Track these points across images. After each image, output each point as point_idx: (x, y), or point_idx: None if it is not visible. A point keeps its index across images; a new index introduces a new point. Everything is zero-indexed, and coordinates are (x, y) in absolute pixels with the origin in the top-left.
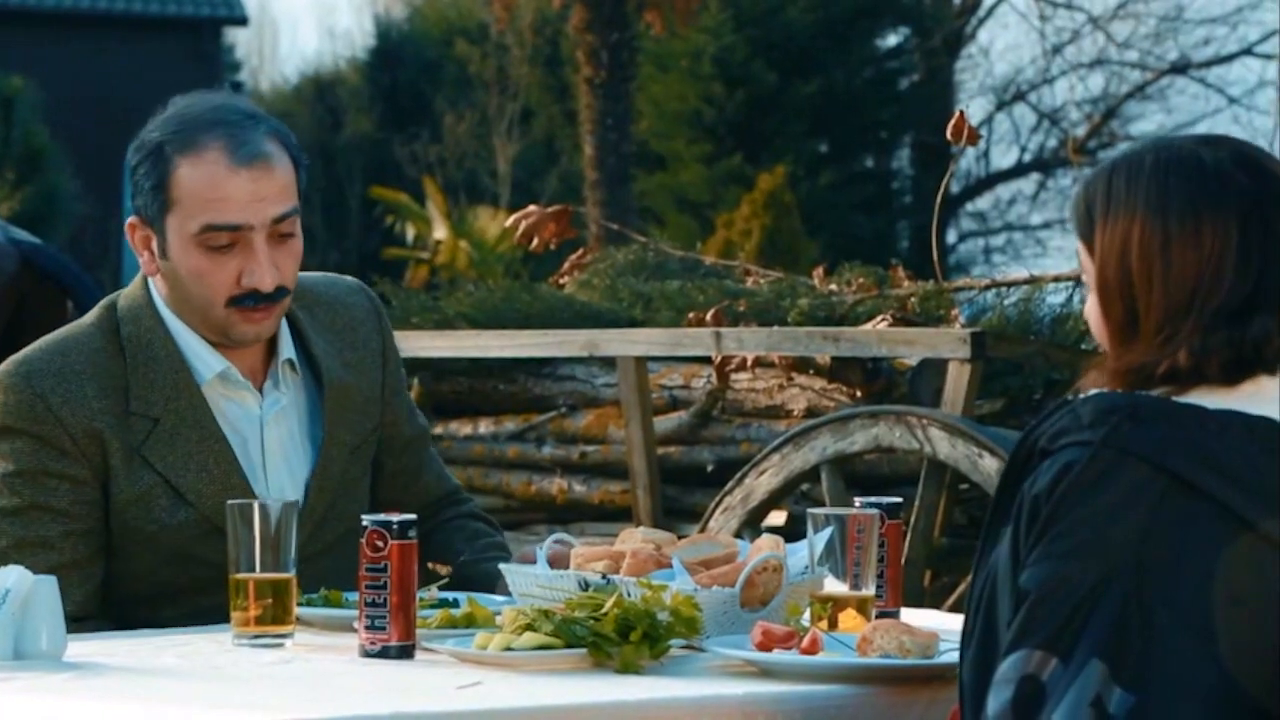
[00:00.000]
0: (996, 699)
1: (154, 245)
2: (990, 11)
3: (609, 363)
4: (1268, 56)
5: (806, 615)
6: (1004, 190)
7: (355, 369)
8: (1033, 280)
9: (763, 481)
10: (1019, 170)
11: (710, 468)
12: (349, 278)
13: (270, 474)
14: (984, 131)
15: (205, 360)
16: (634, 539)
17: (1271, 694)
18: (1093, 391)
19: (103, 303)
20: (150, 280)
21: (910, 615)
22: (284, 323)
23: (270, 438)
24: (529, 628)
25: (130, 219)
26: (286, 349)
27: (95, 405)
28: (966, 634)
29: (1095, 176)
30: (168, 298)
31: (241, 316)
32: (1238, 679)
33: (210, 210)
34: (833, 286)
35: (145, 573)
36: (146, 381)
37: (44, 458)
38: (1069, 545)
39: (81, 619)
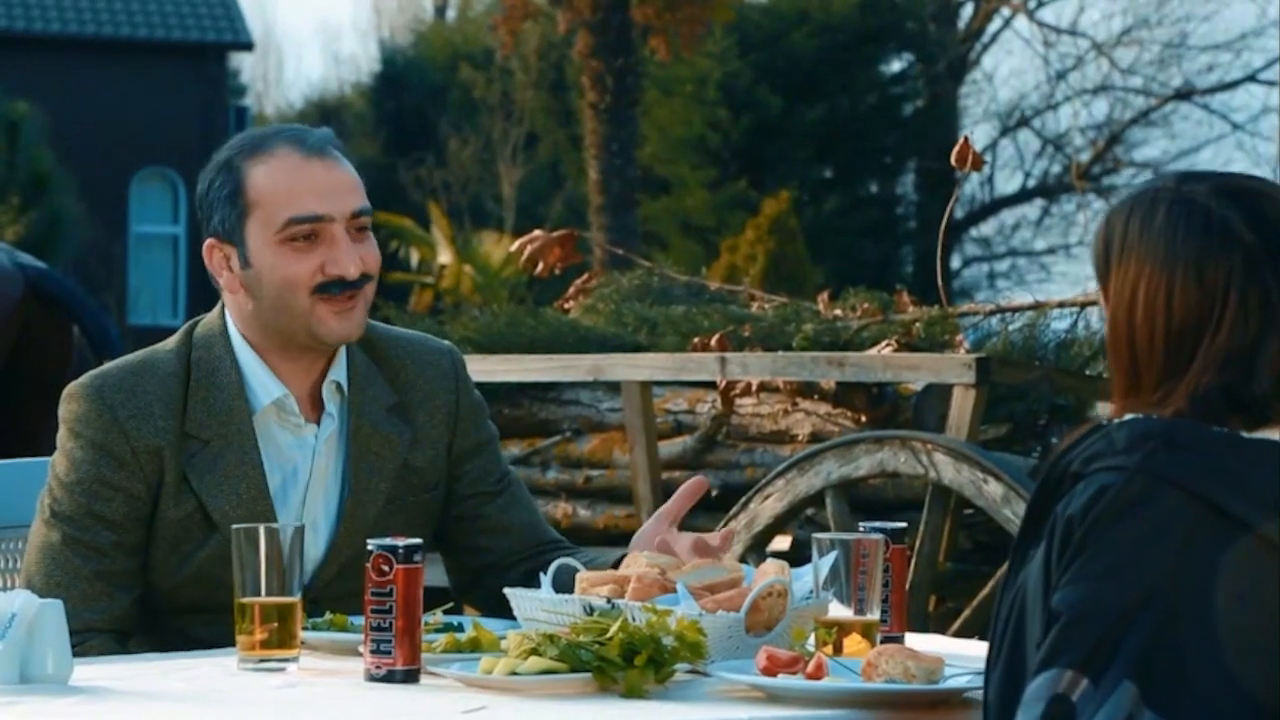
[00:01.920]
0: (1025, 716)
1: (233, 261)
2: (994, 38)
3: (614, 387)
4: (1271, 83)
5: (811, 640)
6: (1008, 215)
7: (412, 425)
8: (1037, 306)
9: (767, 506)
10: (1023, 196)
11: (715, 492)
12: (444, 341)
13: (309, 504)
14: (988, 157)
15: (265, 386)
16: (639, 563)
17: None
18: (1127, 416)
19: (185, 326)
20: (227, 306)
21: (915, 640)
22: (342, 352)
23: (319, 467)
24: (534, 652)
25: (207, 241)
26: (337, 372)
27: (160, 424)
28: (992, 654)
29: (1114, 216)
30: (247, 316)
31: (328, 307)
32: (1269, 706)
33: (290, 204)
34: (837, 312)
35: (173, 589)
36: (205, 405)
37: (104, 467)
38: (1103, 567)
39: (125, 633)
